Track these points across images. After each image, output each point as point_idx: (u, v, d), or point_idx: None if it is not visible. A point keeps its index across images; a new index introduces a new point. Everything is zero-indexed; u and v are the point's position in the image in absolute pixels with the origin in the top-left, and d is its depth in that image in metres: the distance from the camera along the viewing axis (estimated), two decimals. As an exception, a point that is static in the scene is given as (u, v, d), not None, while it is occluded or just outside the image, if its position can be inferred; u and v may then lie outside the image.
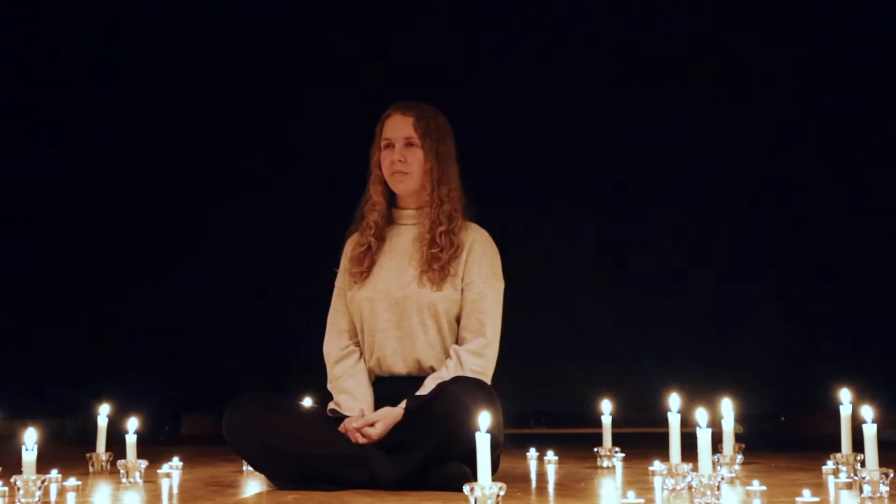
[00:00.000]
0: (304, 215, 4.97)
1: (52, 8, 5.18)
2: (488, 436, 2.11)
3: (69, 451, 3.95)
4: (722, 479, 2.30)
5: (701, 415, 2.30)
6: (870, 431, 2.38)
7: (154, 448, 4.14)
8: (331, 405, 2.78)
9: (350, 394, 2.76)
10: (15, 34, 5.19)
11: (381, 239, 2.86)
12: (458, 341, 2.75)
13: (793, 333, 4.74)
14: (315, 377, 3.13)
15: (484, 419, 2.12)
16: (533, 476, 3.13)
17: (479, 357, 2.70)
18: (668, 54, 5.05)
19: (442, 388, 2.57)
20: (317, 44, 5.17)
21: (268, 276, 5.17)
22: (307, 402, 3.56)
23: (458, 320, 2.76)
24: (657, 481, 2.88)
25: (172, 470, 3.25)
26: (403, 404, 2.63)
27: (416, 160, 2.79)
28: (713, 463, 2.63)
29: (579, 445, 4.00)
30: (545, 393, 5.13)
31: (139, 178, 5.32)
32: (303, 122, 5.14)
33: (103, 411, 3.33)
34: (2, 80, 5.19)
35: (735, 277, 4.88)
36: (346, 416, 2.69)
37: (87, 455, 3.30)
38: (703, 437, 2.26)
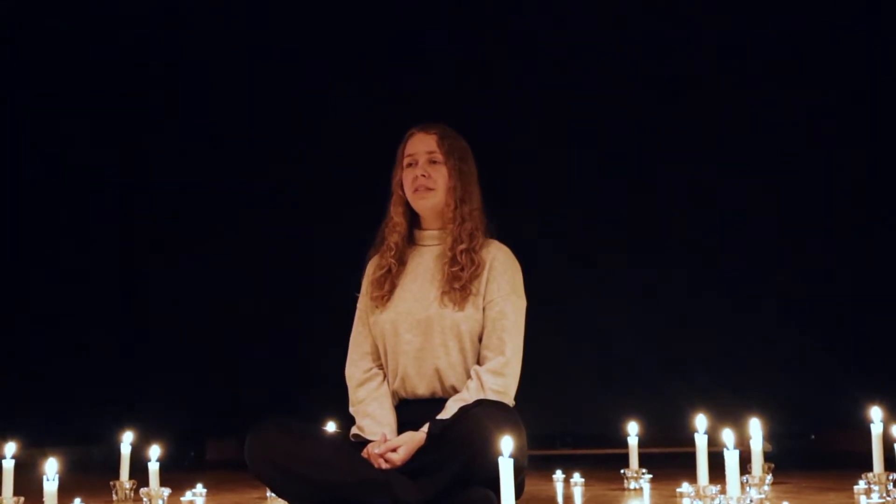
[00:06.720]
0: (325, 239, 4.97)
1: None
2: (511, 460, 2.08)
3: (95, 478, 3.94)
4: (751, 501, 2.26)
5: (728, 435, 2.26)
6: (903, 451, 2.34)
7: (179, 474, 4.13)
8: (354, 430, 2.75)
9: (373, 418, 2.73)
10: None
11: (401, 261, 2.84)
12: (479, 360, 2.72)
13: (822, 351, 4.68)
14: (339, 402, 3.11)
15: (506, 444, 2.09)
16: (560, 499, 3.09)
17: (499, 376, 2.66)
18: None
19: (464, 411, 2.52)
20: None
21: (289, 302, 5.17)
22: (331, 426, 3.54)
23: (480, 339, 2.73)
24: None
25: (196, 497, 3.24)
26: (426, 428, 2.60)
27: (440, 176, 2.76)
28: (742, 484, 2.58)
29: (605, 467, 3.96)
30: (571, 413, 5.09)
31: (160, 202, 5.36)
32: (326, 148, 5.17)
33: (126, 439, 3.32)
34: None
35: (761, 296, 4.83)
36: (370, 441, 2.67)
37: (111, 483, 3.29)
38: (731, 459, 2.22)
